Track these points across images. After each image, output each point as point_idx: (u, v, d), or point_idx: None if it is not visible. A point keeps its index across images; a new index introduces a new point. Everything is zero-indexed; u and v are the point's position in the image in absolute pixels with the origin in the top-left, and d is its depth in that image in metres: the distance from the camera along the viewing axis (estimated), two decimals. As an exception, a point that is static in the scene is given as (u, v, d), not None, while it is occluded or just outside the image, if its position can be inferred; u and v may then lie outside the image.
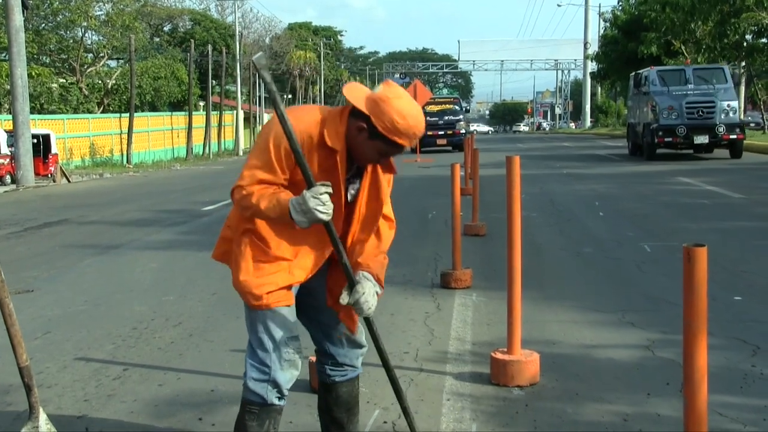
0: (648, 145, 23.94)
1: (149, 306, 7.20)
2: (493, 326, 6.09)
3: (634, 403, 4.44)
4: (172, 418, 4.42)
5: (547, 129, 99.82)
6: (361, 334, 3.58)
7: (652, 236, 10.09)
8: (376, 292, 3.26)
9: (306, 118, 3.15)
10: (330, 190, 3.05)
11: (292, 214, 3.03)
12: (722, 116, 22.83)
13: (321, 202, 3.01)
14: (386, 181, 3.36)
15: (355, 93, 3.17)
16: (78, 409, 4.63)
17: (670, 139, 22.95)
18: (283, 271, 3.23)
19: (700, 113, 22.88)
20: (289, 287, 3.26)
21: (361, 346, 3.60)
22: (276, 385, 3.27)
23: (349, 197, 3.31)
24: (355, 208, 3.32)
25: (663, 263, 8.36)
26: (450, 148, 36.00)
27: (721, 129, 22.64)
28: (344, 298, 3.21)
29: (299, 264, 3.26)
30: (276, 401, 3.31)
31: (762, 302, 6.63)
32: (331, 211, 3.05)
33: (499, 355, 4.88)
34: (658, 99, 23.48)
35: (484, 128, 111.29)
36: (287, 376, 3.30)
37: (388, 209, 3.44)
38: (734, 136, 22.96)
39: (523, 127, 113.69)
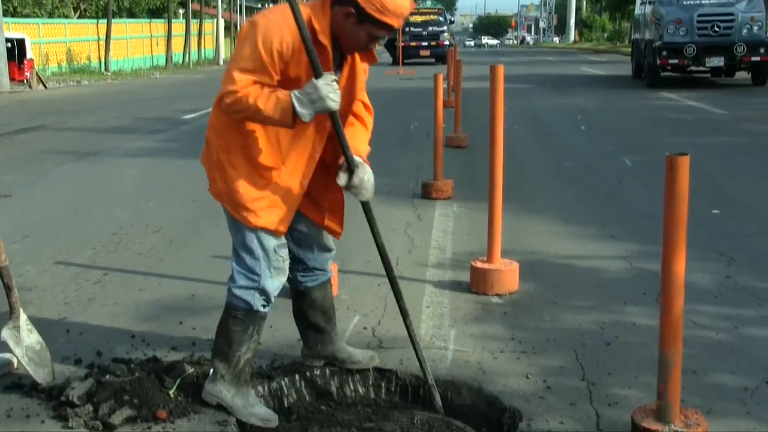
0: (649, 67, 19.43)
1: (129, 212, 7.18)
2: (473, 236, 6.12)
3: (611, 312, 4.50)
4: (152, 322, 4.44)
5: (531, 43, 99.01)
6: (329, 238, 3.58)
7: (633, 150, 10.10)
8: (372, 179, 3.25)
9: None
10: (336, 77, 3.04)
11: (296, 106, 2.98)
12: (743, 32, 18.09)
13: (333, 89, 2.99)
14: (363, 70, 3.32)
15: None
16: (58, 311, 4.64)
17: (675, 61, 18.31)
18: (276, 184, 3.19)
19: (716, 28, 18.21)
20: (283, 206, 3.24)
21: (329, 250, 3.61)
22: (264, 293, 3.28)
23: None
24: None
25: (643, 177, 8.40)
26: (433, 59, 35.66)
27: (740, 48, 17.99)
28: (342, 180, 3.19)
29: (290, 170, 3.21)
30: (262, 309, 3.32)
31: (739, 216, 6.69)
32: (339, 99, 3.03)
33: (479, 264, 4.91)
34: (663, 10, 18.86)
35: (494, 41, 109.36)
36: (276, 283, 3.30)
37: (364, 96, 3.43)
38: (757, 58, 18.29)
39: (486, 40, 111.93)
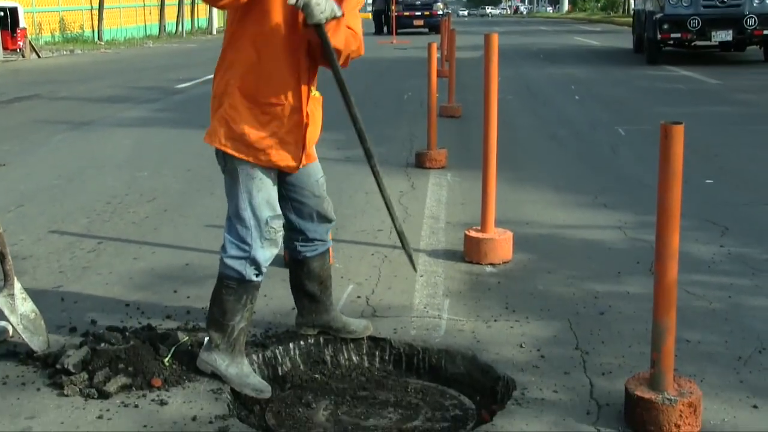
0: (650, 42, 17.43)
1: (123, 181, 7.16)
2: (467, 206, 6.12)
3: (604, 281, 4.51)
4: (147, 291, 4.44)
5: (525, 13, 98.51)
6: (330, 209, 3.57)
7: (626, 120, 10.09)
8: (335, 12, 3.05)
9: None
10: None
11: None
12: (754, 3, 16.17)
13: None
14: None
15: None
16: (53, 280, 4.64)
17: (678, 35, 16.48)
18: (280, 120, 3.17)
19: None
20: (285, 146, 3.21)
21: (330, 221, 3.60)
22: (255, 262, 3.28)
23: None
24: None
25: (637, 146, 8.39)
26: (426, 29, 35.46)
27: (751, 21, 16.05)
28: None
29: (290, 104, 3.17)
30: (254, 278, 3.32)
31: (733, 185, 6.69)
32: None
33: (472, 233, 4.91)
34: None
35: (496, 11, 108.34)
36: (267, 254, 3.30)
37: (359, 27, 3.31)
38: None
39: (490, 10, 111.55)
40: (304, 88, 3.22)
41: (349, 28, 3.23)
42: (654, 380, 2.97)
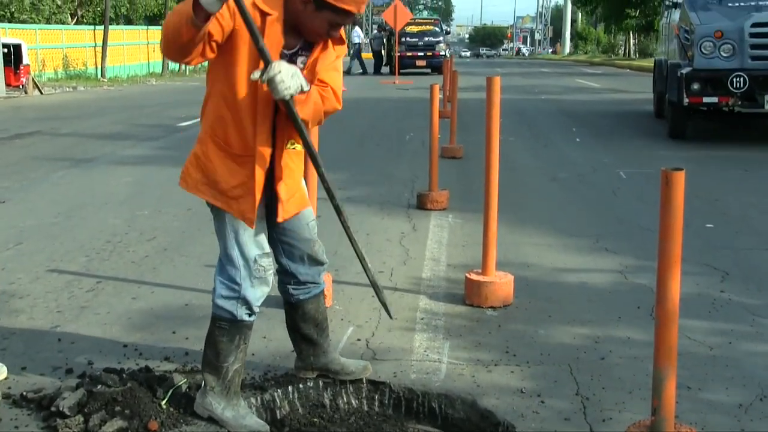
0: (673, 108, 12.13)
1: (123, 219, 7.15)
2: (468, 248, 6.11)
3: (605, 326, 4.49)
4: (145, 331, 4.42)
5: (527, 54, 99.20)
6: (322, 251, 3.57)
7: (627, 163, 10.10)
8: (302, 85, 3.02)
9: None
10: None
11: None
12: None
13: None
14: (335, 55, 3.26)
15: None
16: (51, 320, 4.61)
17: (713, 99, 11.08)
18: (248, 171, 3.16)
19: None
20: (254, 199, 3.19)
21: (321, 263, 3.59)
22: (246, 302, 3.27)
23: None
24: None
25: (638, 190, 8.40)
26: (429, 70, 35.65)
27: None
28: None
29: (259, 157, 3.16)
30: (246, 318, 3.31)
31: (733, 230, 6.68)
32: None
33: (473, 276, 4.90)
34: (695, 16, 11.70)
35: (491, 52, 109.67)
36: (257, 293, 3.30)
37: (336, 82, 3.30)
38: None
39: (488, 51, 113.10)
40: (275, 141, 3.21)
41: (323, 82, 3.25)
42: (655, 428, 2.95)
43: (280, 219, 3.28)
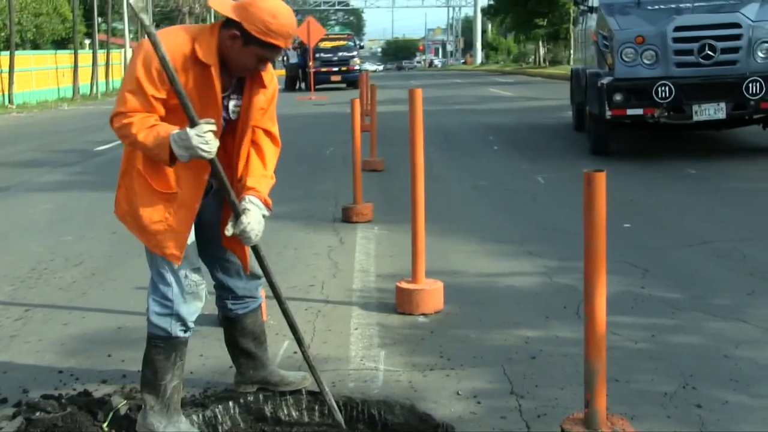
0: (595, 123, 11.15)
1: (47, 246, 7.07)
2: (396, 258, 6.21)
3: (534, 327, 4.63)
4: (80, 356, 4.40)
5: (440, 66, 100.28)
6: (257, 265, 3.62)
7: (544, 169, 10.35)
8: (264, 215, 3.26)
9: (177, 38, 3.10)
10: (213, 127, 3.01)
11: (173, 148, 2.99)
12: (757, 57, 10.09)
13: (205, 141, 2.98)
14: (264, 95, 3.33)
15: (222, 4, 3.16)
16: (-20, 350, 4.56)
17: (638, 111, 10.18)
18: (172, 209, 3.21)
19: (708, 52, 10.10)
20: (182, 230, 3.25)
21: (258, 277, 3.65)
22: (180, 318, 3.31)
23: (231, 115, 3.30)
24: (238, 125, 3.31)
25: (556, 194, 8.62)
26: (344, 85, 35.86)
27: (755, 87, 9.89)
28: (229, 229, 3.19)
29: (184, 197, 3.22)
30: (181, 334, 3.34)
31: (649, 229, 6.93)
32: (214, 150, 3.02)
33: (404, 285, 4.99)
34: (613, 21, 10.79)
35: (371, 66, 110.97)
36: (191, 308, 3.33)
37: (273, 126, 3.45)
38: None
39: (405, 63, 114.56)
40: (200, 186, 3.26)
41: (269, 133, 3.43)
42: (588, 420, 3.08)
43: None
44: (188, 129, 2.98)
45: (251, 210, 3.21)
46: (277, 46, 3.12)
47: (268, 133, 3.44)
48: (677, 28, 10.21)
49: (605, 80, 10.39)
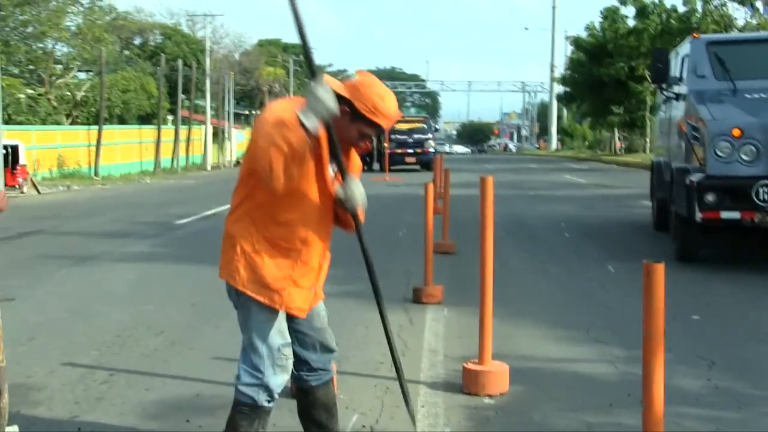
0: (683, 225, 9.73)
1: (129, 315, 7.39)
2: (463, 339, 6.36)
3: (597, 413, 4.73)
4: (161, 420, 4.63)
5: (514, 150, 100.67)
6: (332, 339, 3.84)
7: (615, 257, 10.42)
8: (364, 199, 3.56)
9: (292, 110, 3.36)
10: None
11: (302, 119, 3.23)
12: None
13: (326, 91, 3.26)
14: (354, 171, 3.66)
15: (334, 81, 3.49)
16: (69, 410, 4.83)
17: (734, 214, 8.86)
18: (298, 265, 3.50)
19: None
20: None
21: (332, 351, 3.86)
22: (267, 389, 3.52)
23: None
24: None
25: (625, 283, 8.69)
26: (418, 166, 36.24)
27: None
28: (340, 192, 3.48)
29: (311, 250, 3.53)
30: (266, 404, 3.55)
31: (717, 321, 6.96)
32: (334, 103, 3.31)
33: (471, 366, 5.15)
34: (705, 110, 9.51)
35: (462, 149, 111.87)
36: (279, 380, 3.55)
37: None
38: None
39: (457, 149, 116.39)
40: (325, 241, 3.62)
41: None
42: (646, 504, 3.16)
43: (303, 315, 3.59)
44: (311, 83, 3.28)
45: (355, 180, 3.52)
46: (380, 125, 3.46)
47: None
48: None
49: (695, 177, 9.09)
